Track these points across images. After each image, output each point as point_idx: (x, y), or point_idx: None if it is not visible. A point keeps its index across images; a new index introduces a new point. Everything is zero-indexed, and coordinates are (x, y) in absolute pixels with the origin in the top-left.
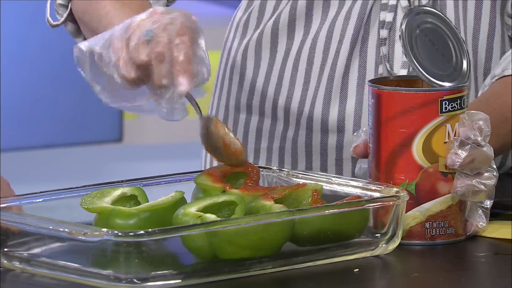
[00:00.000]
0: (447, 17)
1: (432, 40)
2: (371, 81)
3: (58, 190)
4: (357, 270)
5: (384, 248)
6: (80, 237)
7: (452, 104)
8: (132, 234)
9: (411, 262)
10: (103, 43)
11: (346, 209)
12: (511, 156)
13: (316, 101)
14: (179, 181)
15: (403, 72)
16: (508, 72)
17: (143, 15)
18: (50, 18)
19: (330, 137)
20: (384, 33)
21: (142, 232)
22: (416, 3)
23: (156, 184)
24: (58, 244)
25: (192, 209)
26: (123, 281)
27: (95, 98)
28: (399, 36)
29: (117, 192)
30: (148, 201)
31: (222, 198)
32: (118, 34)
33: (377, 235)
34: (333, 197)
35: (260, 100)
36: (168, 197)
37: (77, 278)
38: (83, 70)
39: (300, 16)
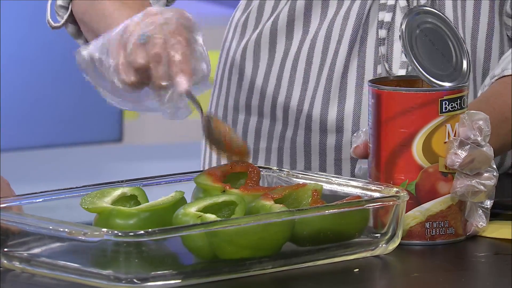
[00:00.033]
0: (447, 17)
1: (432, 40)
2: (371, 81)
3: (58, 190)
4: (357, 270)
5: (384, 248)
6: (80, 237)
7: (452, 104)
8: (132, 234)
9: (411, 262)
10: (101, 48)
11: (346, 209)
12: (510, 156)
13: (315, 101)
14: (179, 181)
15: (402, 72)
16: (507, 72)
17: (137, 17)
18: (50, 20)
19: (329, 137)
20: (382, 33)
21: (142, 232)
22: (415, 3)
23: (156, 184)
24: (58, 244)
25: (192, 209)
26: (123, 281)
27: (95, 98)
28: (399, 36)
29: (117, 192)
30: (148, 201)
31: (222, 198)
32: (115, 39)
33: (377, 235)
34: (333, 197)
35: (259, 100)
36: (168, 197)
37: (77, 278)
38: (87, 75)
39: (298, 17)
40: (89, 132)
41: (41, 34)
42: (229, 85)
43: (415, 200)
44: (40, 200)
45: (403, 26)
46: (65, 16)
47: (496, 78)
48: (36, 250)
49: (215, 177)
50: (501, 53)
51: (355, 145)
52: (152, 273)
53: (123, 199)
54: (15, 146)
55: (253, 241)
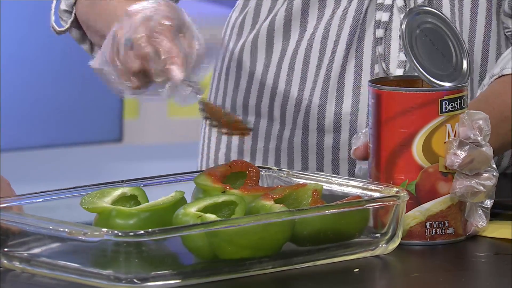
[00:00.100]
0: (447, 17)
1: (432, 40)
2: (371, 81)
3: (58, 190)
4: (357, 270)
5: (384, 248)
6: (80, 237)
7: (452, 104)
8: (132, 234)
9: (411, 262)
10: (101, 59)
11: (346, 209)
12: (507, 156)
13: (312, 101)
14: (179, 181)
15: (399, 71)
16: (507, 71)
17: (119, 23)
18: (55, 25)
19: (327, 137)
20: (380, 32)
21: (142, 232)
22: (412, 3)
23: (156, 184)
24: (58, 244)
25: (192, 209)
26: (123, 281)
27: (95, 98)
28: (399, 36)
29: (117, 192)
30: (148, 201)
31: (222, 198)
32: (108, 48)
33: (377, 235)
34: (333, 197)
35: (256, 101)
36: (168, 197)
37: (77, 278)
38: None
39: (295, 17)
40: (89, 132)
41: (41, 34)
42: (226, 85)
43: (415, 200)
44: (40, 200)
45: (403, 26)
46: (69, 21)
47: (495, 77)
48: (36, 250)
49: (215, 178)
50: (498, 54)
51: (355, 147)
52: (152, 273)
53: (123, 199)
54: (15, 146)
55: (253, 241)
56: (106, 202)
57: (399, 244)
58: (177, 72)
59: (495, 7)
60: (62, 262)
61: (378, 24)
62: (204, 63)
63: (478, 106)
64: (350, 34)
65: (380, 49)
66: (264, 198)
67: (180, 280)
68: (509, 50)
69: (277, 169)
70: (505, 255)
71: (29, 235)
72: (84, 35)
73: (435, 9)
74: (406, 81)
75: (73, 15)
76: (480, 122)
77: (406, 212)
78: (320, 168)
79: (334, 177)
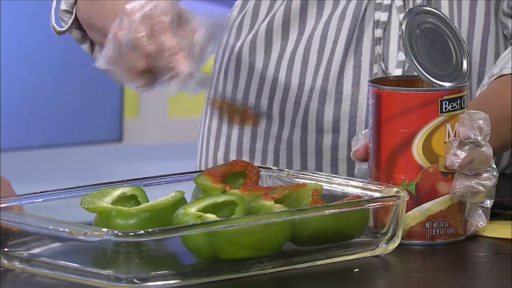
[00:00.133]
0: (447, 17)
1: (432, 40)
2: (371, 81)
3: (58, 190)
4: (357, 270)
5: (384, 248)
6: (80, 237)
7: (452, 104)
8: (132, 234)
9: (411, 262)
10: (106, 60)
11: (346, 209)
12: (506, 156)
13: (311, 101)
14: (179, 181)
15: (398, 71)
16: (506, 71)
17: (118, 21)
18: (55, 25)
19: (325, 137)
20: (378, 32)
21: (142, 232)
22: (411, 3)
23: (156, 184)
24: (58, 244)
25: (192, 209)
26: (123, 281)
27: (95, 98)
28: (399, 36)
29: (117, 192)
30: (148, 201)
31: (222, 198)
32: (111, 49)
33: (377, 235)
34: (333, 197)
35: (255, 101)
36: (168, 197)
37: (77, 278)
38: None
39: (294, 17)
40: (89, 132)
41: (41, 34)
42: (224, 85)
43: (415, 200)
44: (40, 200)
45: (403, 26)
46: (70, 22)
47: (494, 77)
48: (36, 250)
49: (215, 178)
50: (497, 54)
51: (355, 148)
52: (152, 273)
53: (123, 199)
54: (15, 146)
55: (253, 241)
56: (106, 202)
57: (399, 244)
58: (182, 67)
59: (494, 7)
60: (62, 262)
61: (377, 24)
62: (208, 50)
63: (478, 106)
64: (348, 34)
65: (379, 49)
66: (264, 198)
67: (180, 280)
68: (508, 50)
69: (277, 169)
70: (505, 255)
71: (29, 235)
72: (84, 35)
73: (435, 9)
74: (406, 81)
75: (73, 15)
76: (480, 122)
77: (406, 212)
78: (319, 168)
79: (334, 177)
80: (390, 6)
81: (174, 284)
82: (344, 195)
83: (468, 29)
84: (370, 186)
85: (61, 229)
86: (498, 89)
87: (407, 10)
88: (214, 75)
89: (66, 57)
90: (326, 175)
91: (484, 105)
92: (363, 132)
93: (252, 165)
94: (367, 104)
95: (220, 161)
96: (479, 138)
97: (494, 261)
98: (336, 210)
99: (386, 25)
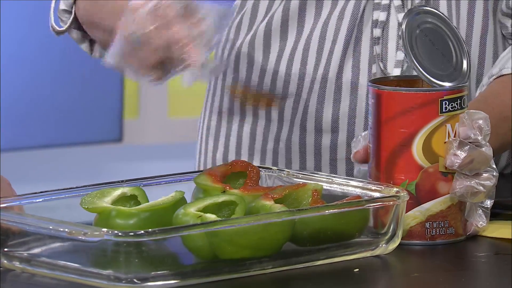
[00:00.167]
0: (447, 17)
1: (432, 40)
2: (371, 81)
3: (58, 190)
4: (357, 270)
5: (384, 248)
6: (80, 237)
7: (452, 104)
8: (132, 234)
9: (411, 262)
10: (115, 57)
11: (346, 209)
12: (505, 156)
13: (310, 101)
14: (179, 181)
15: (397, 71)
16: (505, 71)
17: (124, 18)
18: (54, 24)
19: (324, 137)
20: (377, 32)
21: (142, 232)
22: (409, 3)
23: (156, 184)
24: (58, 244)
25: (192, 209)
26: (123, 281)
27: (95, 98)
28: (399, 36)
29: (117, 192)
30: (148, 201)
31: (222, 198)
32: (119, 48)
33: (377, 235)
34: (333, 197)
35: None
36: (168, 197)
37: (77, 278)
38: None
39: (293, 17)
40: (89, 132)
41: (41, 34)
42: (223, 85)
43: (415, 200)
44: (40, 200)
45: (403, 26)
46: (69, 22)
47: (494, 77)
48: (36, 250)
49: (215, 178)
50: (495, 54)
51: (355, 150)
52: (152, 273)
53: (123, 199)
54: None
55: (253, 241)
56: (106, 202)
57: (399, 244)
58: (195, 57)
59: (492, 7)
60: (62, 262)
61: (375, 23)
62: (215, 39)
63: (477, 106)
64: (347, 34)
65: (377, 49)
66: (264, 198)
67: (180, 280)
68: (507, 50)
69: (277, 169)
70: (505, 255)
71: (29, 235)
72: (83, 35)
73: (435, 9)
74: (406, 81)
75: (72, 15)
76: (480, 121)
77: (406, 212)
78: (318, 168)
79: (334, 177)
80: (389, 5)
81: (174, 284)
82: (344, 195)
83: (467, 29)
84: (370, 186)
85: (61, 229)
86: (497, 89)
87: (407, 10)
88: (212, 78)
89: (66, 57)
90: (326, 175)
91: (484, 105)
92: (363, 134)
93: (252, 165)
94: (366, 104)
95: (219, 161)
96: (479, 138)
97: (494, 261)
98: (336, 210)
99: (384, 25)
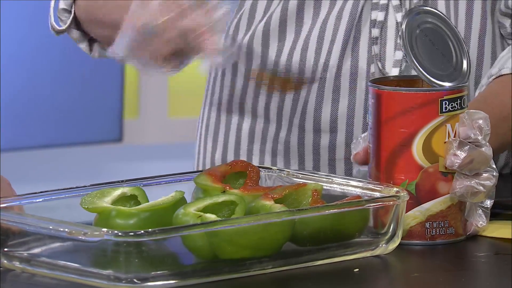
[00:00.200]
0: (447, 17)
1: (432, 40)
2: (371, 81)
3: (58, 190)
4: (357, 270)
5: (384, 248)
6: (80, 237)
7: (452, 104)
8: (132, 234)
9: (411, 262)
10: (123, 49)
11: (346, 209)
12: (503, 156)
13: (309, 101)
14: (179, 181)
15: (395, 70)
16: (505, 72)
17: (133, 10)
18: (54, 24)
19: (323, 137)
20: (375, 32)
21: (142, 232)
22: (407, 2)
23: (156, 184)
24: (58, 244)
25: (192, 209)
26: (123, 281)
27: (95, 98)
28: (399, 36)
29: (117, 192)
30: (148, 201)
31: (222, 198)
32: (128, 40)
33: (377, 235)
34: (333, 197)
35: (253, 102)
36: (168, 197)
37: (77, 278)
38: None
39: (291, 17)
40: (89, 132)
41: (41, 34)
42: (222, 85)
43: (415, 200)
44: (40, 200)
45: (403, 26)
46: (68, 21)
47: (493, 77)
48: (36, 250)
49: (215, 177)
50: (493, 54)
51: (355, 152)
52: (152, 273)
53: (123, 199)
54: (15, 146)
55: (253, 241)
56: (106, 202)
57: (399, 244)
58: (211, 45)
59: (490, 7)
60: (62, 262)
61: (373, 23)
62: (227, 25)
63: (477, 106)
64: (345, 34)
65: (376, 48)
66: (264, 198)
67: (180, 280)
68: (506, 50)
69: (277, 169)
70: (505, 255)
71: (29, 235)
72: (83, 34)
73: (435, 9)
74: (406, 81)
75: (72, 14)
76: (480, 121)
77: (406, 212)
78: (316, 168)
79: (334, 177)
80: (387, 5)
81: (174, 284)
82: (344, 195)
83: (465, 29)
84: (370, 186)
85: (61, 229)
86: (497, 89)
87: (405, 9)
88: (211, 75)
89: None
90: (326, 175)
91: (483, 105)
92: (363, 135)
93: (252, 165)
94: (365, 103)
95: (218, 162)
96: (479, 137)
97: (494, 261)
98: (336, 210)
99: (382, 25)
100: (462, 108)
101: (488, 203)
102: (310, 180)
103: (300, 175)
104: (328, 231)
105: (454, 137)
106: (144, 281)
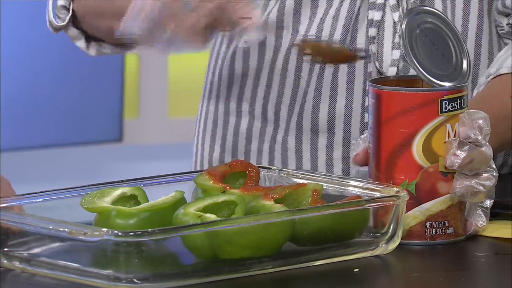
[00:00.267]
0: (447, 17)
1: (432, 40)
2: (371, 81)
3: (58, 190)
4: (357, 270)
5: (384, 248)
6: (80, 237)
7: (452, 104)
8: (132, 234)
9: (411, 262)
10: (145, 25)
11: (346, 209)
12: (502, 156)
13: (306, 100)
14: (179, 181)
15: (392, 70)
16: (503, 71)
17: None
18: (53, 20)
19: (320, 137)
20: (372, 31)
21: (142, 232)
22: (404, 2)
23: (156, 184)
24: (58, 244)
25: (192, 209)
26: (123, 281)
27: (95, 98)
28: (399, 35)
29: (117, 192)
30: (148, 201)
31: (222, 198)
32: (156, 15)
33: (377, 235)
34: (333, 197)
35: (250, 102)
36: (168, 197)
37: (77, 278)
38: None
39: (288, 17)
40: (89, 132)
41: (41, 34)
42: (219, 86)
43: (415, 200)
44: (40, 200)
45: (403, 26)
46: (67, 19)
47: (491, 77)
48: (36, 250)
49: (215, 178)
50: (490, 54)
51: (354, 153)
52: (152, 273)
53: (123, 199)
54: (15, 146)
55: (253, 241)
56: (106, 202)
57: (399, 244)
58: (252, 17)
59: (487, 7)
60: (62, 262)
61: (370, 23)
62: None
63: (476, 106)
64: (343, 33)
65: (373, 48)
66: (264, 198)
67: (180, 280)
68: (504, 49)
69: (277, 169)
70: (505, 255)
71: (29, 235)
72: (80, 33)
73: (435, 9)
74: (406, 81)
75: (70, 11)
76: (480, 121)
77: (406, 212)
78: (314, 168)
79: (334, 176)
80: (384, 5)
81: (174, 284)
82: (344, 195)
83: (462, 29)
84: (370, 186)
85: (61, 229)
86: (495, 89)
87: (404, 9)
88: (209, 75)
89: (66, 57)
90: (326, 175)
91: (482, 105)
92: (362, 136)
93: (252, 165)
94: (362, 103)
95: (216, 162)
96: (479, 137)
97: (494, 261)
98: (336, 210)
99: (379, 24)
100: (462, 108)
101: (488, 203)
102: (310, 180)
103: (300, 175)
104: (328, 231)
105: (454, 137)
106: (144, 281)
